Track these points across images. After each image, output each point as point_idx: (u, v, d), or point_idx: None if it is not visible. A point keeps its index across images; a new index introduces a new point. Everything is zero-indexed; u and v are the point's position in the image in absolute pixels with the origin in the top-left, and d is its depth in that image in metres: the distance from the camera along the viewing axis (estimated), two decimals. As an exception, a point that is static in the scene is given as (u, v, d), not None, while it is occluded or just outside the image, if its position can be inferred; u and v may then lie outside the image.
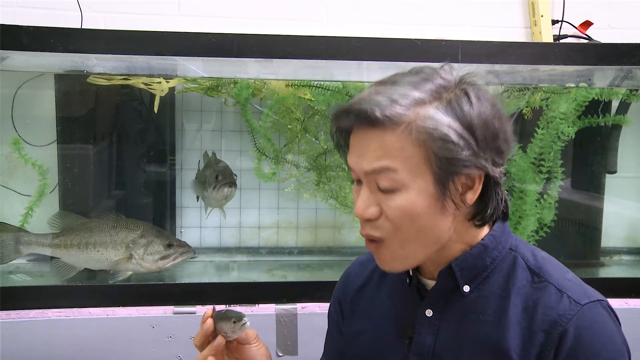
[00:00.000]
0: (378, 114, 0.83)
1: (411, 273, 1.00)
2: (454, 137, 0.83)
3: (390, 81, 0.87)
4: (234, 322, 1.00)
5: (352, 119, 0.86)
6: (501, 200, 0.93)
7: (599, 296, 0.91)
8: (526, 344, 0.87)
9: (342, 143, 0.93)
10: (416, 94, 0.84)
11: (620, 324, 0.91)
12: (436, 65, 0.90)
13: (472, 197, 0.88)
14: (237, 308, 1.74)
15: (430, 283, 0.97)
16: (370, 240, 0.91)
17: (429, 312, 0.95)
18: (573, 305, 0.87)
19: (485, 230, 0.95)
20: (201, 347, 1.04)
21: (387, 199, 0.86)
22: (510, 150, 0.90)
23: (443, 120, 0.83)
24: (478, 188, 0.88)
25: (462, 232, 0.92)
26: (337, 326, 1.16)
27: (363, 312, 1.08)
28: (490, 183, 0.89)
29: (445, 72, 0.87)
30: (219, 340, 1.02)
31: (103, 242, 1.81)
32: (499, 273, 0.93)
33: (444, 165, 0.84)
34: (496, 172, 0.88)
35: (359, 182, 0.90)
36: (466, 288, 0.93)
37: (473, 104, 0.84)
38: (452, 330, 0.94)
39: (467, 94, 0.85)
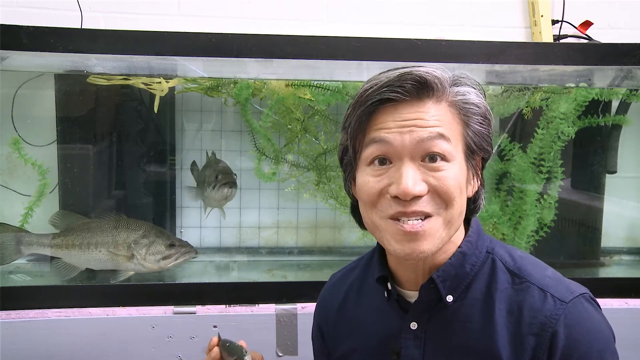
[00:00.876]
0: (437, 82, 0.86)
1: (390, 287, 0.98)
2: (488, 115, 0.91)
3: (417, 65, 0.90)
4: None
5: (407, 88, 0.85)
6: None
7: (581, 289, 0.91)
8: (517, 348, 0.87)
9: (365, 119, 0.89)
10: (448, 74, 0.89)
11: (600, 308, 0.92)
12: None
13: (477, 181, 0.93)
14: (237, 308, 1.74)
15: (410, 294, 0.96)
16: (410, 219, 0.86)
17: (413, 325, 0.94)
18: (559, 305, 0.87)
19: (461, 234, 0.96)
20: None
21: (436, 172, 0.85)
22: None
23: (480, 98, 0.90)
24: (480, 172, 0.94)
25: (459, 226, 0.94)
26: (320, 348, 1.15)
27: (346, 332, 1.07)
28: (482, 170, 0.96)
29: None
30: None
31: (105, 242, 1.81)
32: (480, 279, 0.93)
33: (477, 141, 0.90)
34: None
35: (382, 161, 0.87)
36: (449, 298, 0.92)
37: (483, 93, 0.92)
38: (439, 341, 0.93)
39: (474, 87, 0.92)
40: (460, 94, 0.88)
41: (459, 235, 0.95)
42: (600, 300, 0.92)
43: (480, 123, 0.90)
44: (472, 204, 0.95)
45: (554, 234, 2.03)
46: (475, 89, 0.90)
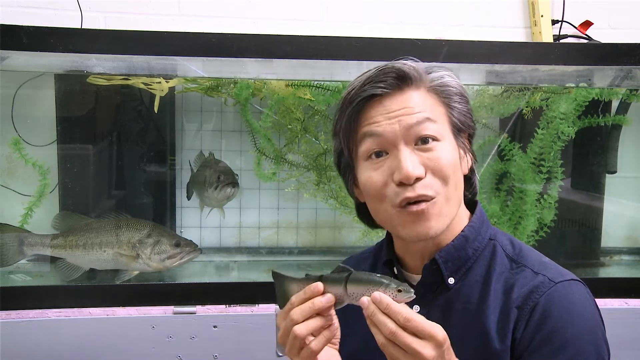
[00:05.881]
0: (414, 72, 0.92)
1: (396, 271, 1.02)
2: (464, 93, 0.96)
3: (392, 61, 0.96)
4: (399, 291, 0.81)
5: (389, 81, 0.91)
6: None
7: (575, 277, 0.94)
8: (503, 321, 0.90)
9: (354, 118, 0.94)
10: (422, 65, 0.95)
11: (598, 308, 0.93)
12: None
13: (470, 158, 0.99)
14: (237, 308, 1.74)
15: (416, 278, 0.99)
16: (417, 202, 0.90)
17: (416, 308, 0.96)
18: (546, 283, 0.91)
19: (466, 220, 1.00)
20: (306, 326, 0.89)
21: (429, 153, 0.91)
22: None
23: (455, 79, 0.96)
24: (470, 150, 1.00)
25: (460, 207, 0.98)
26: None
27: (353, 312, 1.07)
28: (471, 146, 1.01)
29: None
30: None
31: (109, 242, 1.81)
32: (480, 263, 0.97)
33: (461, 119, 0.95)
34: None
35: (378, 154, 0.92)
36: (451, 280, 0.96)
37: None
38: (440, 322, 0.94)
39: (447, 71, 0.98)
40: (436, 79, 0.95)
41: (463, 221, 0.99)
42: (600, 300, 0.94)
43: (460, 102, 0.96)
44: (469, 180, 1.01)
45: (554, 234, 2.03)
46: (448, 72, 0.97)
